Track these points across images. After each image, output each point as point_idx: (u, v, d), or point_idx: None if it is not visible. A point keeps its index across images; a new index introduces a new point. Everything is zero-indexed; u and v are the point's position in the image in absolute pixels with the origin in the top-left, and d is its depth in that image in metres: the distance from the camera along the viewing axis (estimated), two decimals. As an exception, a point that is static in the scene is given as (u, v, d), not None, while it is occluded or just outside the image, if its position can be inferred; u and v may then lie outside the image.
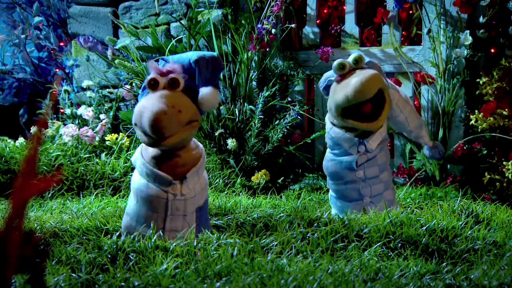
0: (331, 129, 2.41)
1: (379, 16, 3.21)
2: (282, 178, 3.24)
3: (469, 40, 2.93)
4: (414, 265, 1.71)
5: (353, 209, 2.30)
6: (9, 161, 3.07)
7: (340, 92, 2.29)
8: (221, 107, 3.32)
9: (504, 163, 2.88)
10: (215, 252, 1.72)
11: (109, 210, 2.44)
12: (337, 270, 1.58)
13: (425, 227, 1.95)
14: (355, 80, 2.25)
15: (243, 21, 3.34)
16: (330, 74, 2.39)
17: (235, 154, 3.24)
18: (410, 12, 3.53)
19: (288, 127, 3.27)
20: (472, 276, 1.59)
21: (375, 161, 2.37)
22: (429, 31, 3.05)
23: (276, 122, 3.28)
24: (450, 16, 3.05)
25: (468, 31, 2.94)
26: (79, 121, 3.61)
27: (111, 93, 3.77)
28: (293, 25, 3.41)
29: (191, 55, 1.96)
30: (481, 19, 2.98)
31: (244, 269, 1.58)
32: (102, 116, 3.51)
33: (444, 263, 1.76)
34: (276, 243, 1.83)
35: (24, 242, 1.13)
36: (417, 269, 1.67)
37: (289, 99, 3.43)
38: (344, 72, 2.32)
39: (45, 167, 3.04)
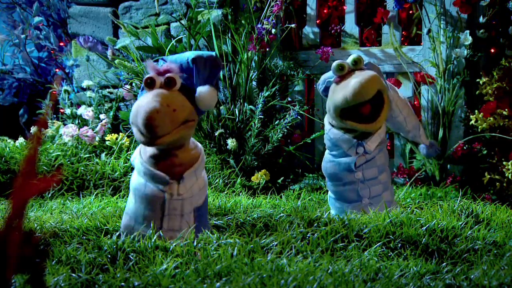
0: (330, 130, 2.41)
1: (379, 16, 3.21)
2: (282, 178, 3.24)
3: (469, 40, 2.93)
4: (414, 265, 1.71)
5: (352, 210, 2.30)
6: (9, 161, 3.07)
7: (339, 93, 2.28)
8: (221, 107, 3.32)
9: (504, 163, 2.88)
10: (215, 252, 1.72)
11: (109, 210, 2.44)
12: (337, 270, 1.58)
13: (425, 227, 1.95)
14: (354, 81, 2.25)
15: (243, 21, 3.34)
16: (329, 75, 2.39)
17: (235, 154, 3.24)
18: (410, 12, 3.53)
19: (288, 127, 3.27)
20: (472, 276, 1.59)
21: (374, 162, 2.37)
22: (429, 31, 3.05)
23: (276, 122, 3.28)
24: (450, 16, 3.05)
25: (468, 31, 2.94)
26: (79, 121, 3.61)
27: (111, 93, 3.77)
28: (293, 25, 3.41)
29: (190, 54, 1.96)
30: (481, 19, 2.98)
31: (244, 269, 1.58)
32: (102, 116, 3.51)
33: (444, 263, 1.76)
34: (276, 243, 1.83)
35: (24, 242, 1.13)
36: (417, 269, 1.67)
37: (289, 99, 3.43)
38: (343, 73, 2.32)
39: (45, 167, 3.04)
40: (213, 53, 1.97)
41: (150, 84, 1.93)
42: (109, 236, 2.03)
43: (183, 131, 1.91)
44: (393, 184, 2.99)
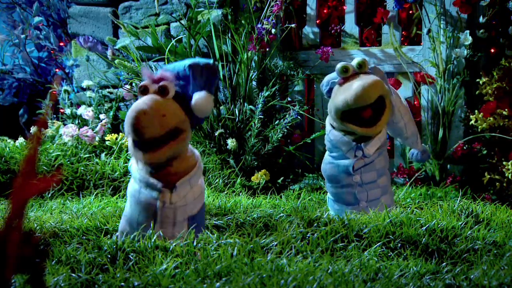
0: (331, 132, 2.41)
1: (379, 16, 3.21)
2: (282, 178, 3.24)
3: (469, 40, 2.93)
4: (414, 265, 1.71)
5: (351, 212, 2.30)
6: (9, 161, 3.07)
7: (341, 95, 2.28)
8: (221, 107, 3.32)
9: (504, 163, 2.88)
10: (215, 252, 1.72)
11: (109, 210, 2.44)
12: (337, 270, 1.58)
13: (425, 227, 1.95)
14: (356, 84, 2.24)
15: (243, 21, 3.34)
16: (333, 76, 2.38)
17: (235, 154, 3.24)
18: (410, 12, 3.53)
19: (288, 127, 3.27)
20: (472, 276, 1.59)
21: (373, 166, 2.37)
22: (429, 31, 3.05)
23: (276, 122, 3.28)
24: (450, 16, 3.05)
25: (468, 31, 2.93)
26: (79, 121, 3.61)
27: (111, 93, 3.77)
28: (293, 25, 3.41)
29: (187, 62, 1.95)
30: (481, 19, 2.98)
31: (244, 269, 1.58)
32: (102, 116, 3.51)
33: (444, 263, 1.76)
34: (276, 243, 1.83)
35: (24, 242, 1.13)
36: (417, 269, 1.67)
37: (289, 99, 3.43)
38: (347, 75, 2.31)
39: (45, 167, 3.04)
40: (210, 61, 1.96)
41: (143, 91, 1.93)
42: (109, 236, 2.04)
43: (175, 147, 1.90)
44: (393, 184, 2.99)
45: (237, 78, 3.36)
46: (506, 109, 2.91)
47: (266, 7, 3.31)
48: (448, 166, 3.07)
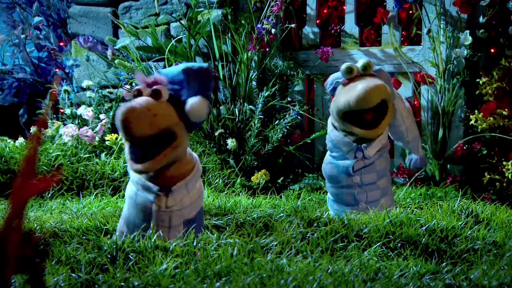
0: (332, 132, 2.41)
1: (379, 16, 3.21)
2: (282, 178, 3.24)
3: (469, 40, 2.93)
4: (414, 265, 1.71)
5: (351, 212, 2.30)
6: (9, 161, 3.07)
7: (344, 96, 2.28)
8: (221, 107, 3.32)
9: (504, 163, 2.88)
10: (215, 252, 1.72)
11: (109, 210, 2.44)
12: (337, 270, 1.58)
13: (425, 227, 1.95)
14: (360, 87, 2.23)
15: (243, 21, 3.34)
16: (337, 76, 2.37)
17: (235, 154, 3.23)
18: (410, 12, 3.53)
19: (288, 127, 3.27)
20: (472, 276, 1.59)
21: (373, 167, 2.37)
22: (429, 31, 3.05)
23: (276, 122, 3.28)
24: (450, 16, 3.05)
25: (468, 31, 2.93)
26: (79, 121, 3.61)
27: (111, 93, 3.77)
28: (293, 25, 3.41)
29: (181, 66, 1.95)
30: (481, 19, 2.98)
31: (244, 269, 1.58)
32: (102, 116, 3.51)
33: (444, 263, 1.76)
34: (276, 243, 1.83)
35: (24, 242, 1.13)
36: (417, 269, 1.67)
37: (289, 99, 3.43)
38: (351, 76, 2.30)
39: (45, 167, 3.04)
40: (204, 65, 1.96)
41: (137, 96, 1.93)
42: (109, 236, 2.04)
43: (168, 155, 1.90)
44: (393, 184, 2.99)
45: (237, 78, 3.36)
46: (506, 109, 2.91)
47: (266, 7, 3.31)
48: (448, 166, 3.07)
